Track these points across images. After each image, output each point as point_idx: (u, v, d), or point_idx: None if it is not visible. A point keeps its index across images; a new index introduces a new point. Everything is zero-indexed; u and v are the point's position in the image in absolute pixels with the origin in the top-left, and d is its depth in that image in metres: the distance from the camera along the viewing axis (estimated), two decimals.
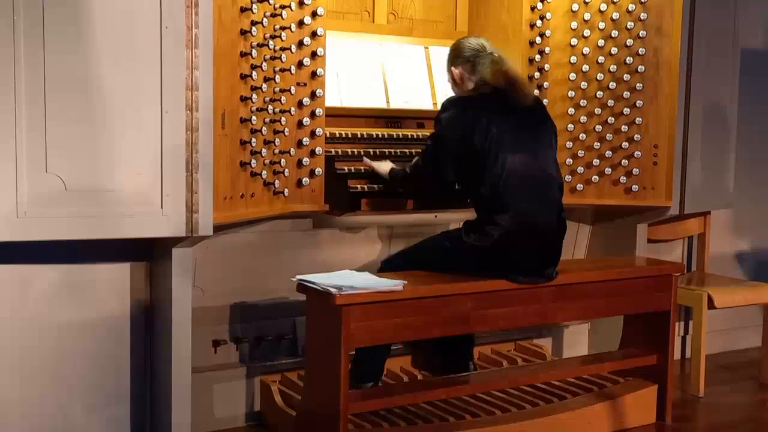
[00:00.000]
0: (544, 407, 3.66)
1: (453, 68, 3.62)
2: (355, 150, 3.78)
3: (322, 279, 3.23)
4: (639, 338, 3.98)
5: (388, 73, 4.08)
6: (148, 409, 3.43)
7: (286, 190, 3.55)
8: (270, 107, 3.46)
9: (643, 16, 4.04)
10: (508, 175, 3.37)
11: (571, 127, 4.16)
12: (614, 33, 4.08)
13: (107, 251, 3.29)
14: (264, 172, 3.44)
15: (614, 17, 4.07)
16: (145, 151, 3.00)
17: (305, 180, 3.60)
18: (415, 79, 4.15)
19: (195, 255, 3.38)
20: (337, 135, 3.77)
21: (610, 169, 4.13)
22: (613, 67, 4.09)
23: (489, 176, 3.38)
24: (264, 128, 3.43)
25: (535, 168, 3.45)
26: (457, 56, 3.61)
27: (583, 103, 4.13)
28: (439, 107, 4.14)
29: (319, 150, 3.62)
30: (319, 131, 3.61)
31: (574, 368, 3.90)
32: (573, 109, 4.14)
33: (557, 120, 4.10)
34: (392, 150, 3.85)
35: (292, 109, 3.54)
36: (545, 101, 4.10)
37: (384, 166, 3.71)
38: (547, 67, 4.15)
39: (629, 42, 4.07)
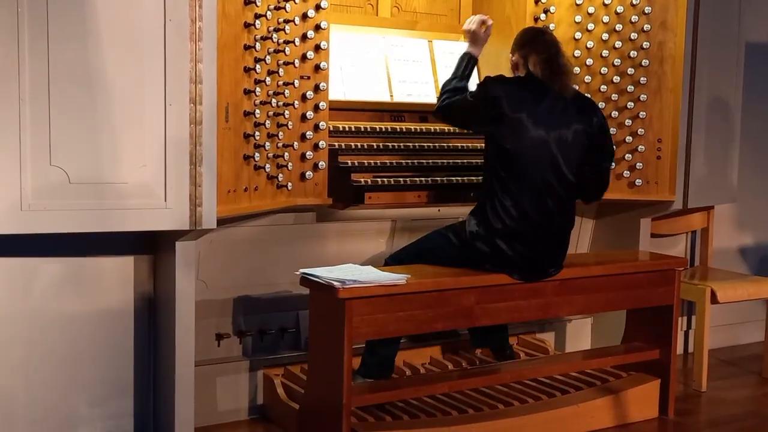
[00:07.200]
0: (546, 401, 3.66)
1: (511, 54, 3.62)
2: (359, 144, 3.78)
3: (325, 272, 3.24)
4: (642, 333, 3.98)
5: (392, 66, 4.07)
6: (151, 402, 3.44)
7: (289, 184, 3.55)
8: (274, 100, 3.45)
9: (647, 9, 4.03)
10: (522, 167, 3.36)
11: None
12: (618, 27, 4.07)
13: (111, 244, 3.29)
14: (267, 166, 3.43)
15: (618, 11, 4.06)
16: (149, 144, 3.01)
17: (309, 173, 3.59)
18: (419, 73, 4.14)
19: (198, 248, 3.38)
20: (341, 128, 3.76)
21: (613, 164, 4.12)
22: (617, 61, 4.07)
23: (505, 164, 3.37)
24: (267, 122, 3.43)
25: (554, 164, 3.40)
26: (515, 44, 3.61)
27: None
28: None
29: (322, 143, 3.61)
30: (322, 125, 3.61)
31: (576, 362, 3.91)
32: None
33: None
34: (395, 144, 3.86)
35: (296, 102, 3.54)
36: None
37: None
38: None
39: (633, 36, 4.05)
